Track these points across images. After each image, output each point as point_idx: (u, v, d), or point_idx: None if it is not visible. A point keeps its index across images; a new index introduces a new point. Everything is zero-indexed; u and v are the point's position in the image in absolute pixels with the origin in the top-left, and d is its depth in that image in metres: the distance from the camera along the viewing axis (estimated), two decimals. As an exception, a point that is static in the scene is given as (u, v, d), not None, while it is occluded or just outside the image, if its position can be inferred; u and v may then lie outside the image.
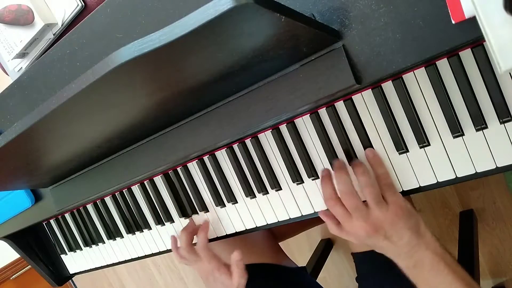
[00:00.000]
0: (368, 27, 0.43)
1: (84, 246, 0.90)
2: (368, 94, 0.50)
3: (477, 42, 0.42)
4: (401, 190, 0.52)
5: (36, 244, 0.96)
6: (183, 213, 0.71)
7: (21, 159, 0.52)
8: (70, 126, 0.44)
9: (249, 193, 0.62)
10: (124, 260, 0.86)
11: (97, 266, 0.92)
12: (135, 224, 0.78)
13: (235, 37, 0.33)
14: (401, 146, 0.49)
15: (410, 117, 0.48)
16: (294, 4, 0.46)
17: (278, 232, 0.97)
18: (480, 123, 0.45)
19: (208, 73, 0.41)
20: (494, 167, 0.46)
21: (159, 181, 0.72)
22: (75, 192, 0.72)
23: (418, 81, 0.47)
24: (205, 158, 0.65)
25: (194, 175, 0.67)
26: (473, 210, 1.12)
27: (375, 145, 0.51)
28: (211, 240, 0.71)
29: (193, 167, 0.67)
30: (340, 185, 0.51)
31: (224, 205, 0.66)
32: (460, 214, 1.13)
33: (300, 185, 0.58)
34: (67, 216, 0.89)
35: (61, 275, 0.99)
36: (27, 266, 2.11)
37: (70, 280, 1.10)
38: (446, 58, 0.44)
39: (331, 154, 0.54)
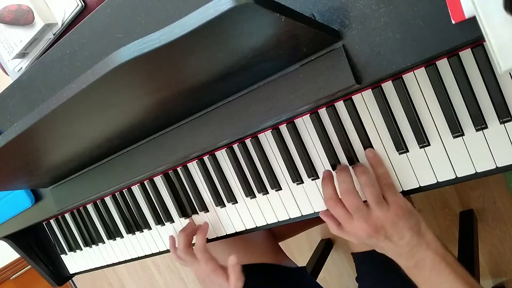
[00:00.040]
0: (368, 27, 0.43)
1: (84, 246, 0.90)
2: (368, 94, 0.50)
3: (477, 42, 0.42)
4: (401, 190, 0.52)
5: (36, 244, 0.96)
6: (183, 213, 0.71)
7: (21, 159, 0.52)
8: (70, 126, 0.44)
9: (249, 193, 0.62)
10: (124, 260, 0.86)
11: (97, 266, 0.92)
12: (135, 224, 0.78)
13: (235, 37, 0.33)
14: (401, 146, 0.49)
15: (410, 117, 0.48)
16: (294, 4, 0.46)
17: (278, 232, 0.97)
18: (480, 123, 0.45)
19: (208, 73, 0.41)
20: (494, 167, 0.46)
21: (159, 181, 0.72)
22: (75, 192, 0.72)
23: (418, 81, 0.47)
24: (205, 158, 0.65)
25: (194, 175, 0.67)
26: (473, 210, 1.12)
27: (375, 145, 0.51)
28: (211, 240, 0.71)
29: (193, 167, 0.67)
30: (341, 185, 0.51)
31: (224, 205, 0.66)
32: (460, 214, 1.13)
33: (300, 185, 0.58)
34: (67, 216, 0.89)
35: (61, 275, 0.99)
36: (27, 266, 2.11)
37: (70, 280, 1.10)
38: (446, 58, 0.44)
39: (331, 154, 0.54)
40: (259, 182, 0.61)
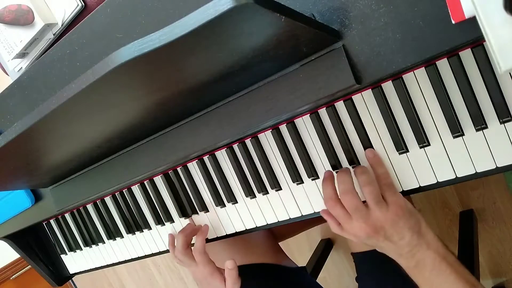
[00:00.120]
0: (368, 27, 0.43)
1: (84, 246, 0.90)
2: (368, 94, 0.50)
3: (477, 42, 0.42)
4: (401, 190, 0.52)
5: (36, 244, 0.96)
6: (183, 213, 0.71)
7: (21, 159, 0.52)
8: (70, 126, 0.44)
9: (249, 193, 0.62)
10: (124, 260, 0.86)
11: (97, 266, 0.92)
12: (135, 224, 0.78)
13: (235, 37, 0.33)
14: (401, 146, 0.49)
15: (410, 117, 0.48)
16: (294, 4, 0.46)
17: (278, 232, 0.97)
18: (480, 123, 0.45)
19: (208, 73, 0.41)
20: (494, 167, 0.46)
21: (159, 181, 0.72)
22: (75, 192, 0.72)
23: (418, 81, 0.47)
24: (205, 158, 0.65)
25: (194, 175, 0.67)
26: (473, 210, 1.12)
27: (375, 145, 0.51)
28: (211, 240, 0.71)
29: (193, 167, 0.67)
30: (341, 185, 0.51)
31: (224, 205, 0.66)
32: (460, 214, 1.13)
33: (300, 185, 0.58)
34: (67, 216, 0.89)
35: (61, 275, 0.99)
36: (27, 266, 2.11)
37: (70, 280, 1.10)
38: (446, 58, 0.44)
39: (331, 154, 0.54)
40: (259, 182, 0.61)
